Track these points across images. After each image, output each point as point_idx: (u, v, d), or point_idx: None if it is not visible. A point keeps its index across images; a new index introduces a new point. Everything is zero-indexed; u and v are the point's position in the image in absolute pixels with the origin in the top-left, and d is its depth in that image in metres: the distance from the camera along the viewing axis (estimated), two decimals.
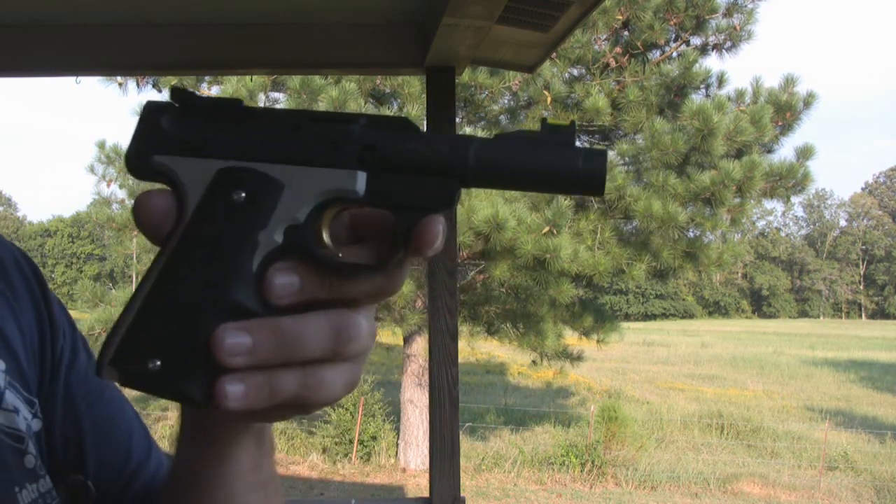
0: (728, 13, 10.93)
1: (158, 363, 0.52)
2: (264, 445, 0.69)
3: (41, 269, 0.83)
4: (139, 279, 0.56)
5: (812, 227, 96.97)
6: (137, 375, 0.52)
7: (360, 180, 0.54)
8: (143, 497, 0.82)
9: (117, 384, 0.53)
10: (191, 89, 0.56)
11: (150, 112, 0.57)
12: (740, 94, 10.79)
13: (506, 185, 0.54)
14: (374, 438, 13.15)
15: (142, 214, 0.54)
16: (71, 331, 0.83)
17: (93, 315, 10.06)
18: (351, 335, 0.54)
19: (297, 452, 13.23)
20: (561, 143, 0.53)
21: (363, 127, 0.55)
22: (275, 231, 0.53)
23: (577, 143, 0.54)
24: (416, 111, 9.33)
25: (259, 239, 0.53)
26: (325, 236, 0.56)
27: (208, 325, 0.52)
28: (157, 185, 0.57)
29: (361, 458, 12.97)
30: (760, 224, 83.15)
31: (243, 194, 0.54)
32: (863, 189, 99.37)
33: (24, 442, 0.71)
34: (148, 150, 0.56)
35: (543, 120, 0.54)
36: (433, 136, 0.55)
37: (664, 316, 72.92)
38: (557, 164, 0.53)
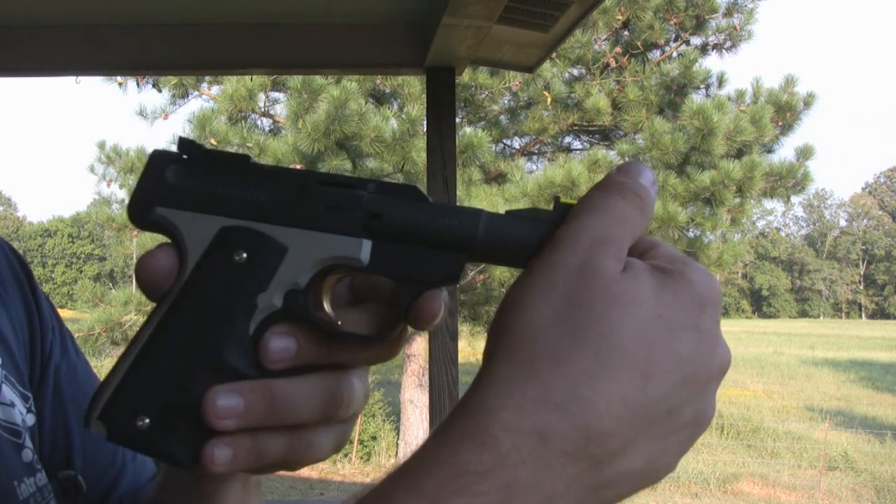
0: (728, 13, 10.95)
1: (147, 421, 0.51)
2: (250, 484, 0.69)
3: (41, 268, 0.82)
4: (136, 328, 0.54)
5: (812, 227, 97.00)
6: (125, 432, 0.51)
7: (365, 248, 0.52)
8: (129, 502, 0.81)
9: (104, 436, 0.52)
10: (199, 141, 0.55)
11: (156, 161, 0.56)
12: (740, 94, 10.79)
13: (513, 263, 0.52)
14: (374, 438, 13.17)
15: (143, 272, 0.53)
16: (59, 327, 0.83)
17: (93, 315, 10.04)
18: (344, 400, 0.54)
19: None
20: None
21: (372, 194, 0.53)
22: (274, 294, 0.52)
23: None
24: (416, 111, 9.32)
25: (258, 301, 0.52)
26: (326, 303, 0.55)
27: (200, 386, 0.50)
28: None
29: (361, 458, 12.98)
30: (760, 224, 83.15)
31: (244, 255, 0.52)
32: (863, 189, 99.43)
33: (20, 436, 0.71)
34: (151, 202, 0.55)
35: (556, 198, 0.52)
36: (441, 208, 0.53)
37: None
38: None
